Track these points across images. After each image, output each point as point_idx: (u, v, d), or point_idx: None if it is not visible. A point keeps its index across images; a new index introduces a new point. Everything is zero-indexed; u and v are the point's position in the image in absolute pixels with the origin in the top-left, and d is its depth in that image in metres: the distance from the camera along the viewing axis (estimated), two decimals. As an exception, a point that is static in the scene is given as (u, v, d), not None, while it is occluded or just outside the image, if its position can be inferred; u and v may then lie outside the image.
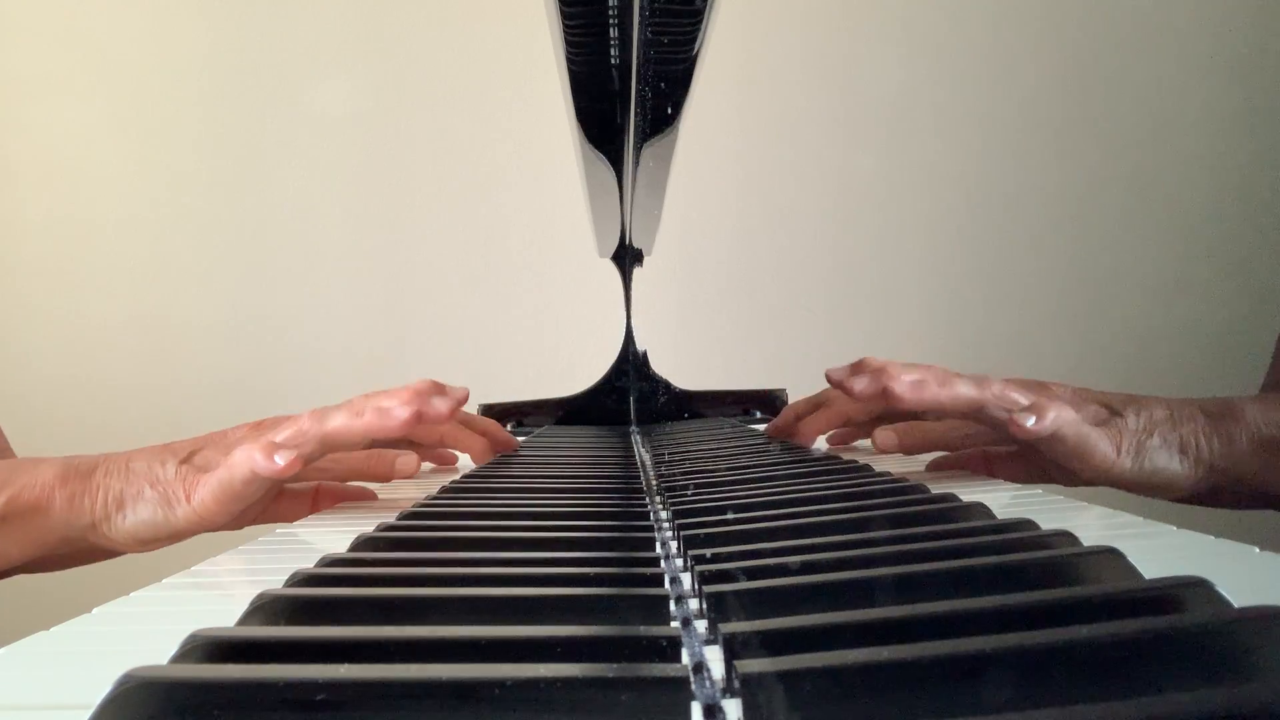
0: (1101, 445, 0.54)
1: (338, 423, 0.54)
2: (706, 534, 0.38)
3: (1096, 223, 1.58)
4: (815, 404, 0.78)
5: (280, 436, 0.54)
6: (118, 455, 0.56)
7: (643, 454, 0.75)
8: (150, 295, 1.58)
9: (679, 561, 0.37)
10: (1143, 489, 0.56)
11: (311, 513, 0.61)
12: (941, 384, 0.55)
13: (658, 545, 0.39)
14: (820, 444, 0.80)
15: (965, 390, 0.54)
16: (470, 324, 1.57)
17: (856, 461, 0.59)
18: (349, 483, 0.65)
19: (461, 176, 1.60)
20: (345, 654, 0.24)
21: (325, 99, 1.57)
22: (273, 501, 0.61)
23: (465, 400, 0.58)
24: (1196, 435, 0.55)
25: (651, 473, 0.63)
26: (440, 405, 0.55)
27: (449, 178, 1.60)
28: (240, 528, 0.59)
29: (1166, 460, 0.55)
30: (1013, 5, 1.59)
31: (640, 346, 1.03)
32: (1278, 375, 0.69)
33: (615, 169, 0.73)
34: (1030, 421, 0.53)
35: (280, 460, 0.52)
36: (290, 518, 0.61)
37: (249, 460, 0.53)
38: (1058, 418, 0.53)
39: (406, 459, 0.67)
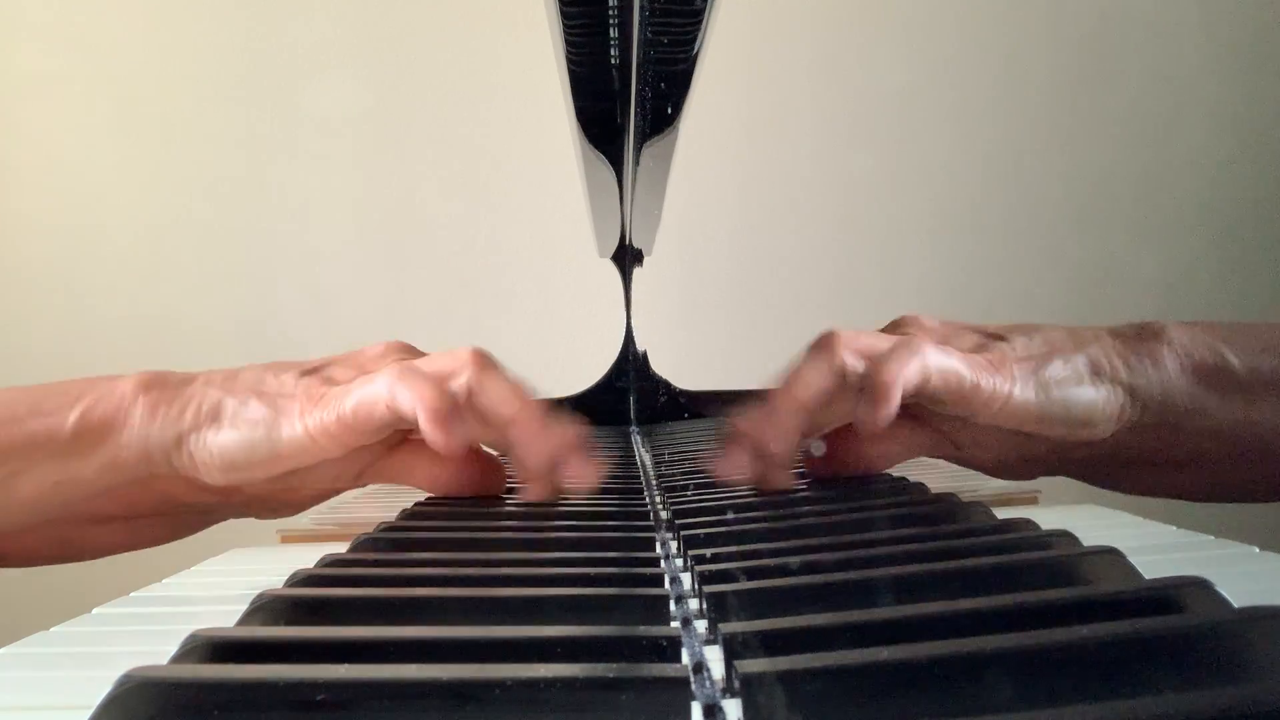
0: (986, 380, 0.42)
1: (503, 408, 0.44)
2: (706, 534, 0.38)
3: (1100, 222, 1.58)
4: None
5: (453, 387, 0.43)
6: (221, 369, 0.47)
7: (643, 454, 0.75)
8: (151, 296, 1.58)
9: (679, 561, 0.37)
10: (1057, 428, 0.44)
11: (455, 478, 0.48)
12: (790, 388, 0.44)
13: (658, 545, 0.39)
14: None
15: (815, 380, 0.44)
16: (470, 324, 1.57)
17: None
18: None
19: (462, 177, 1.60)
20: (345, 654, 0.24)
21: (326, 99, 1.57)
22: (388, 452, 0.47)
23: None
24: (1109, 355, 0.44)
25: (651, 473, 0.63)
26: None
27: (449, 178, 1.60)
28: (341, 488, 0.48)
29: (1078, 387, 0.43)
30: (1015, 4, 1.59)
31: (640, 346, 1.03)
32: None
33: (615, 169, 0.73)
34: (873, 413, 0.41)
35: (452, 438, 0.42)
36: (417, 480, 0.49)
37: (414, 400, 0.42)
38: (909, 374, 0.41)
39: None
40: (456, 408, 0.43)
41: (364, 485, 0.49)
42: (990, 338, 0.45)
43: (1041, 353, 0.44)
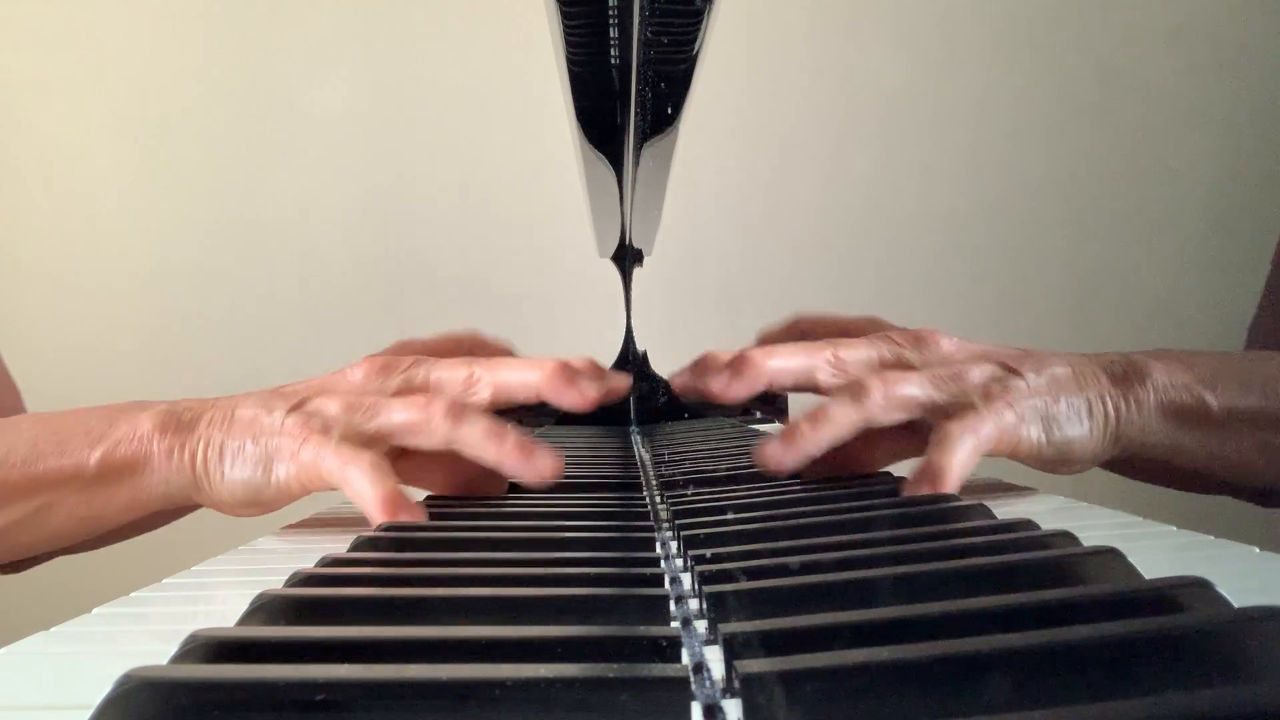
0: (1006, 436, 0.46)
1: (513, 379, 0.49)
2: (706, 534, 0.38)
3: (1098, 222, 1.58)
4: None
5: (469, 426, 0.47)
6: (226, 400, 0.49)
7: (643, 454, 0.75)
8: (151, 295, 1.58)
9: (679, 561, 0.37)
10: (1045, 464, 0.48)
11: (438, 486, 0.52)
12: (767, 355, 0.50)
13: (658, 545, 0.39)
14: None
15: (842, 427, 0.47)
16: (470, 324, 1.57)
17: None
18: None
19: (461, 176, 1.60)
20: (345, 654, 0.24)
21: (325, 99, 1.57)
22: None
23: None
24: (1103, 397, 0.47)
25: (651, 472, 0.63)
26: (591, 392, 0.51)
27: (449, 177, 1.60)
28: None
29: (1072, 429, 0.46)
30: (1015, 5, 1.59)
31: (640, 346, 1.03)
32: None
33: (615, 169, 0.73)
34: (926, 486, 0.45)
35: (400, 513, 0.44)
36: (418, 483, 0.53)
37: (369, 493, 0.45)
38: (963, 465, 0.45)
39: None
40: (404, 500, 0.45)
41: None
42: (1006, 370, 0.48)
43: (1049, 392, 0.47)
